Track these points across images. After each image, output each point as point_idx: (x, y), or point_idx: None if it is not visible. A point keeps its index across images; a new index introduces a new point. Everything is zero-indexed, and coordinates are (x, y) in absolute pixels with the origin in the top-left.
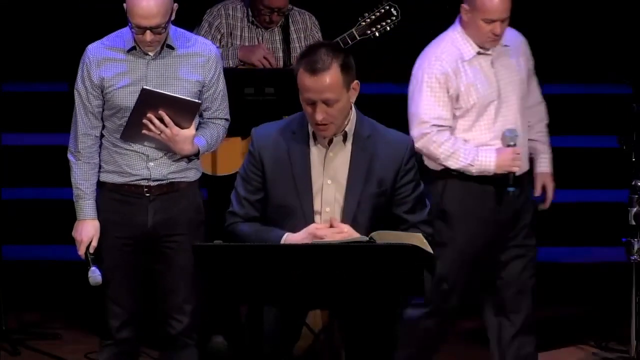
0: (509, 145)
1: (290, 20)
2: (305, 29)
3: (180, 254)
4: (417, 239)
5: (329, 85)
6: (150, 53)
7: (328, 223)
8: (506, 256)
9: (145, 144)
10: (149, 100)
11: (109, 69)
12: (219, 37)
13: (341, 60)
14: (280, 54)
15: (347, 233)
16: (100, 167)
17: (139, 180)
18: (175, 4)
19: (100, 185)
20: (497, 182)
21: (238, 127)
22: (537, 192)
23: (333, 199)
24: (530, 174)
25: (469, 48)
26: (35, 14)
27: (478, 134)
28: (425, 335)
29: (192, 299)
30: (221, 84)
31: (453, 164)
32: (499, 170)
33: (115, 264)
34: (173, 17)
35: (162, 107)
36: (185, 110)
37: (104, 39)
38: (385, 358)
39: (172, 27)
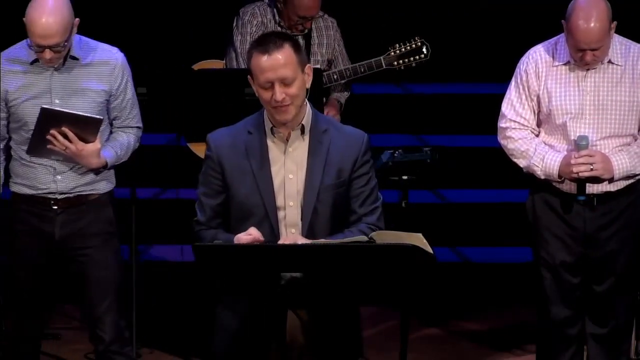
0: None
1: (313, 26)
2: (329, 35)
3: (91, 267)
4: (417, 239)
5: (284, 62)
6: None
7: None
8: None
9: (53, 157)
10: (49, 119)
11: (12, 81)
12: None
13: (292, 41)
14: None
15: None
16: (10, 177)
17: (46, 193)
18: (77, 19)
19: (12, 196)
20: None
21: None
22: None
23: (295, 193)
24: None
25: (563, 55)
26: None
27: (557, 144)
28: None
29: (112, 313)
30: (129, 92)
31: (522, 162)
32: (562, 175)
33: (27, 274)
34: (75, 32)
35: (64, 123)
36: (88, 126)
37: (8, 50)
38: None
39: (76, 37)
